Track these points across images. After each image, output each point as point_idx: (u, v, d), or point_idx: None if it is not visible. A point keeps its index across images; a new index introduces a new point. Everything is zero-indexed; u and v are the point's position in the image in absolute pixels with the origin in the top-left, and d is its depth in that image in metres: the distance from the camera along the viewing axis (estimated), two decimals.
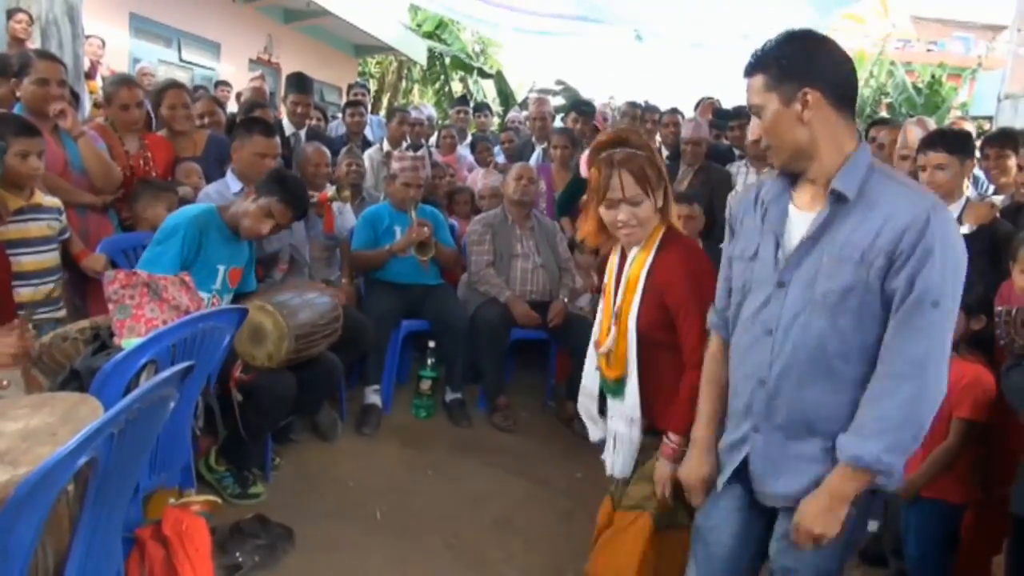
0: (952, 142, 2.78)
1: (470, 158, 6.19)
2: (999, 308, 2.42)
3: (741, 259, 1.71)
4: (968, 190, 2.87)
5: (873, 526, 2.87)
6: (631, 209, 2.02)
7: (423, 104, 10.85)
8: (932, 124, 3.53)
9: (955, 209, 2.80)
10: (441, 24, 14.21)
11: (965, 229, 2.73)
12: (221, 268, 2.91)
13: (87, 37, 5.82)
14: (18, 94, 3.14)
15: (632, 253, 2.11)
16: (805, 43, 1.55)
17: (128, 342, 2.15)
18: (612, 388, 2.14)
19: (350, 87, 7.76)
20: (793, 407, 1.58)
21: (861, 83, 15.50)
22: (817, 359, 1.54)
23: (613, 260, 2.21)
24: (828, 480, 1.53)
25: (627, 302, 2.07)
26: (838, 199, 1.52)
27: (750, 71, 1.59)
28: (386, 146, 5.67)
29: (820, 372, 1.54)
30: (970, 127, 5.01)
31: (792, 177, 1.63)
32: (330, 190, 3.78)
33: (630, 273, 2.09)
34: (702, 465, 1.79)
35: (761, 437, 1.64)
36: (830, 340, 1.52)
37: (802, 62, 1.52)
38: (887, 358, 1.49)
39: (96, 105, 4.85)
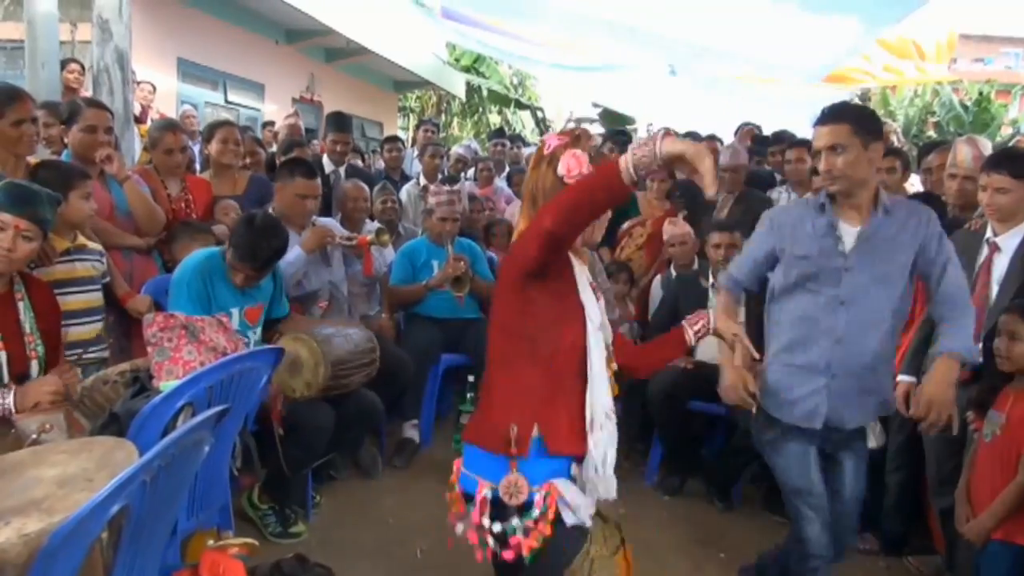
0: (1018, 165, 2.64)
1: (508, 190, 6.20)
2: None
3: (794, 256, 2.31)
4: None
5: (873, 442, 2.87)
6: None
7: (470, 139, 10.97)
8: (984, 142, 3.39)
9: (1017, 234, 2.66)
10: (479, 58, 14.42)
11: None
12: (234, 311, 2.90)
13: (137, 83, 6.03)
14: (66, 140, 3.24)
15: None
16: (873, 111, 2.40)
17: (166, 385, 2.16)
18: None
19: (419, 124, 7.91)
20: (863, 355, 2.24)
21: (905, 102, 15.19)
22: (877, 318, 2.24)
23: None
24: (936, 368, 2.18)
25: None
26: (885, 212, 2.24)
27: (835, 119, 2.19)
28: (423, 180, 5.72)
29: (878, 327, 2.24)
30: None
31: (831, 199, 2.28)
32: (370, 234, 3.80)
33: None
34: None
35: (838, 382, 2.26)
36: (885, 303, 2.23)
37: (875, 124, 2.25)
38: (951, 299, 2.23)
39: (146, 149, 5.00)
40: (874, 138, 2.18)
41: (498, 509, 1.62)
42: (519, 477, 1.60)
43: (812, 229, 2.29)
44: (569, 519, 1.61)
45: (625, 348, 1.93)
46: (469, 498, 1.66)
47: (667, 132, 1.45)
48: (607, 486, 1.65)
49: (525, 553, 1.59)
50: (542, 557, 1.60)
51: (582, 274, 1.71)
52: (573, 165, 1.63)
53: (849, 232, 2.26)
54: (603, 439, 1.64)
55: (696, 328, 1.92)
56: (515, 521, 1.59)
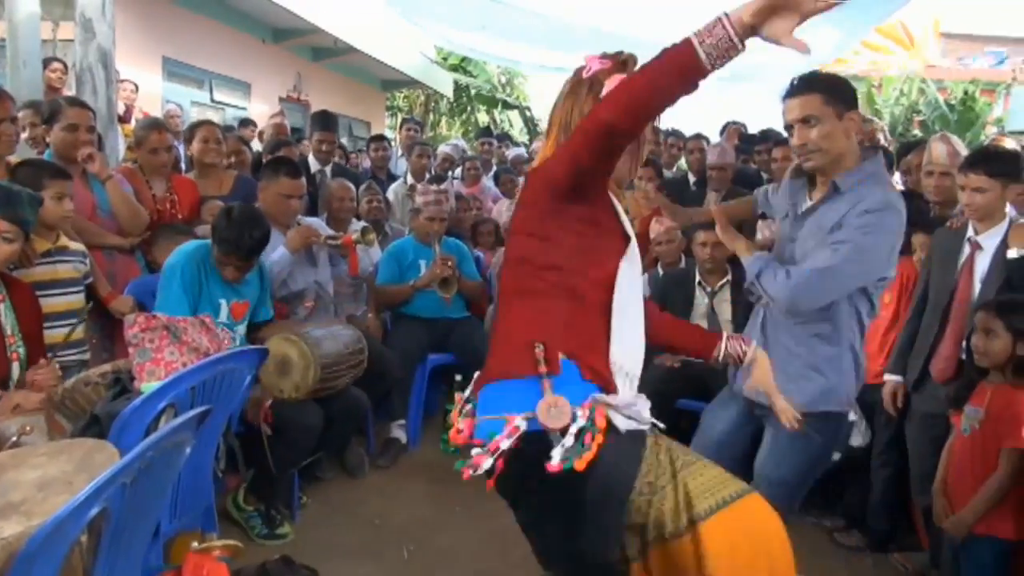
0: (995, 164, 2.64)
1: (495, 189, 6.20)
2: None
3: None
4: (1010, 211, 2.74)
5: (859, 440, 3.05)
6: None
7: (457, 138, 10.95)
8: (956, 140, 3.41)
9: (998, 232, 2.67)
10: (466, 57, 14.40)
11: (1012, 253, 2.60)
12: (223, 303, 2.91)
13: (121, 81, 5.98)
14: (48, 140, 3.21)
15: None
16: (845, 80, 2.13)
17: (147, 386, 2.15)
18: None
19: (402, 123, 7.87)
20: (776, 344, 2.12)
21: (891, 101, 15.26)
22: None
23: None
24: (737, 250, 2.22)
25: None
26: (836, 191, 2.05)
27: (805, 89, 2.02)
28: (410, 179, 5.71)
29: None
30: (1010, 143, 4.86)
31: (811, 179, 2.16)
32: (355, 233, 3.79)
33: None
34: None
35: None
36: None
37: (848, 92, 2.06)
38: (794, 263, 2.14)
39: (130, 148, 4.96)
40: (848, 106, 2.02)
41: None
42: (558, 397, 1.39)
43: (787, 203, 2.25)
44: (622, 423, 1.43)
45: (650, 306, 1.74)
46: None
47: (727, 15, 1.26)
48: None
49: (580, 467, 1.35)
50: (600, 477, 1.39)
51: (619, 206, 1.56)
52: None
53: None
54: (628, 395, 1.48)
55: (732, 349, 1.80)
56: (560, 447, 1.35)
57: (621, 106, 1.31)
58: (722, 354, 1.80)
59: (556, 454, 1.35)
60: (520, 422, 1.39)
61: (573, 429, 1.37)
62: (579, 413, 1.38)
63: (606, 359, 1.48)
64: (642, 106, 1.31)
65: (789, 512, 1.99)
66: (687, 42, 1.26)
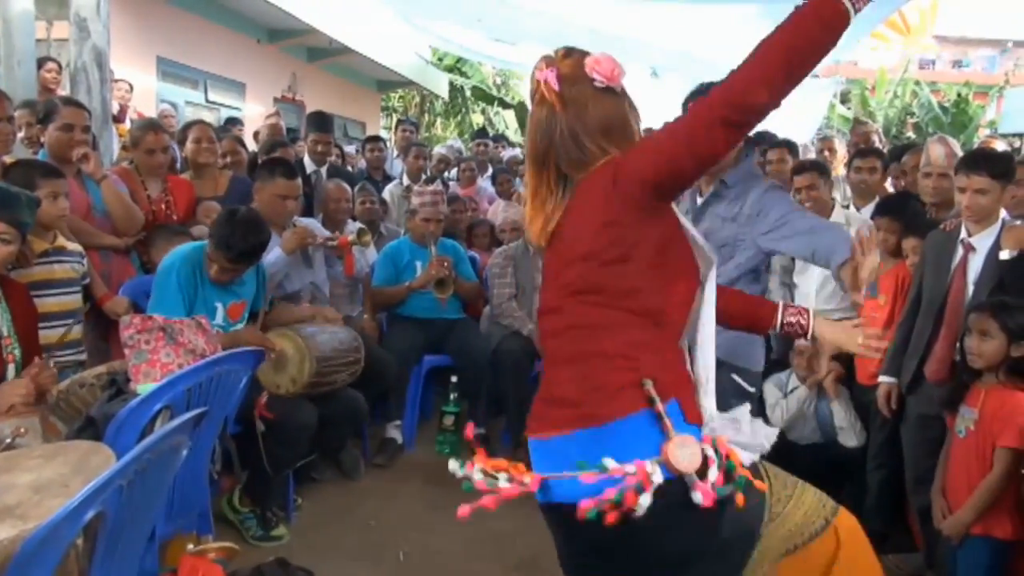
0: (996, 165, 2.64)
1: (491, 190, 6.20)
2: None
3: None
4: (1003, 212, 2.75)
5: (853, 441, 3.16)
6: None
7: (453, 139, 10.94)
8: (953, 142, 3.44)
9: (990, 234, 2.68)
10: (462, 58, 14.39)
11: (1005, 254, 2.61)
12: (219, 305, 2.89)
13: (115, 81, 5.96)
14: (43, 139, 3.20)
15: None
16: None
17: (143, 387, 2.14)
18: None
19: (397, 124, 7.83)
20: None
21: (884, 103, 15.33)
22: None
23: None
24: None
25: None
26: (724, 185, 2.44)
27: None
28: (406, 180, 5.70)
29: None
30: (1001, 145, 4.89)
31: None
32: (351, 234, 3.78)
33: None
34: None
35: None
36: None
37: None
38: None
39: (124, 148, 4.94)
40: None
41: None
42: (684, 435, 1.26)
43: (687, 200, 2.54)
44: (746, 458, 1.32)
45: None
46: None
47: None
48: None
49: (742, 501, 1.28)
50: (733, 513, 1.31)
51: (678, 210, 1.44)
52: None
53: None
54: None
55: (790, 319, 1.67)
56: (706, 485, 1.24)
57: (756, 81, 1.20)
58: (779, 324, 1.67)
59: (698, 496, 1.24)
60: (652, 467, 1.23)
61: (714, 466, 1.26)
62: (707, 450, 1.27)
63: (693, 387, 1.38)
64: (784, 74, 1.19)
65: None
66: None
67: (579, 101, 1.41)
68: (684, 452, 1.24)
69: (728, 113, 1.22)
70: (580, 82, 1.41)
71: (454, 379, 3.94)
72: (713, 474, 1.25)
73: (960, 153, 3.18)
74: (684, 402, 1.32)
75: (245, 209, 2.92)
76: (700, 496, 1.23)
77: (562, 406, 1.36)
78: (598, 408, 1.31)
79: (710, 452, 1.27)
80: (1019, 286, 2.54)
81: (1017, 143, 10.59)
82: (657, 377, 1.31)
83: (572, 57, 1.44)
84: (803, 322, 1.67)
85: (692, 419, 1.32)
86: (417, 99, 16.60)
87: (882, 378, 2.95)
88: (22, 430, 1.94)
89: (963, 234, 2.74)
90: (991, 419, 2.39)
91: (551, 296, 1.44)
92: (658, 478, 1.23)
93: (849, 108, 16.12)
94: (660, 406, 1.27)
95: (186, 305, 2.76)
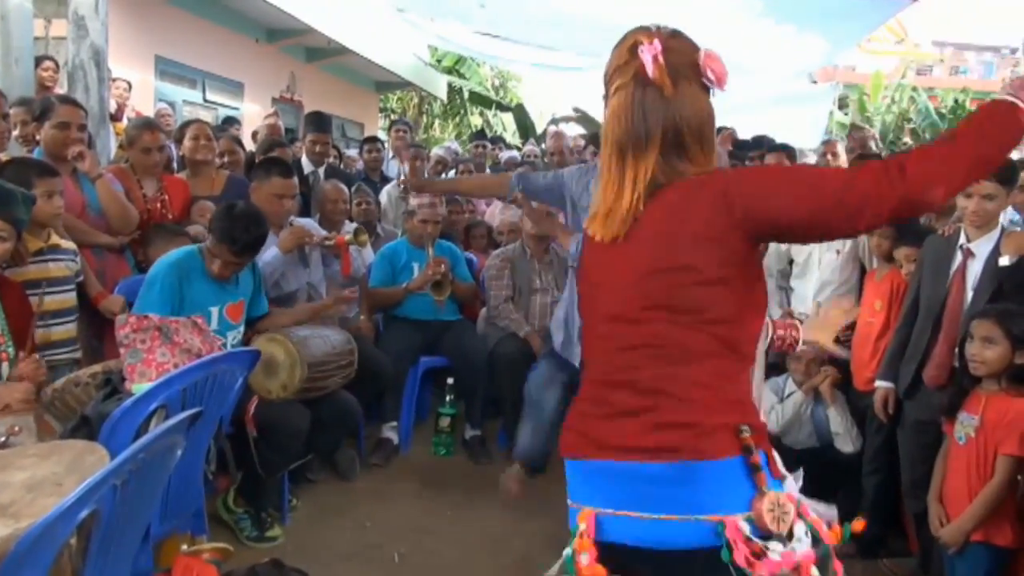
0: (1002, 171, 2.62)
1: None
2: None
3: None
4: (1002, 217, 2.75)
5: (849, 446, 3.15)
6: None
7: (451, 141, 10.94)
8: None
9: (990, 240, 2.68)
10: (460, 59, 14.39)
11: (1005, 260, 2.61)
12: (213, 310, 2.87)
13: (113, 80, 5.95)
14: (38, 137, 3.19)
15: None
16: None
17: (138, 387, 2.13)
18: None
19: (391, 125, 7.83)
20: None
21: (882, 109, 15.38)
22: None
23: None
24: None
25: None
26: None
27: None
28: None
29: None
30: None
31: None
32: (348, 234, 3.77)
33: None
34: None
35: None
36: None
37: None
38: None
39: (121, 147, 4.94)
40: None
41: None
42: (779, 493, 1.19)
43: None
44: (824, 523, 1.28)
45: None
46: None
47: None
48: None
49: (839, 568, 1.25)
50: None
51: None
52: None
53: None
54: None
55: (779, 332, 1.61)
56: (777, 550, 1.16)
57: (938, 183, 1.16)
58: (769, 338, 1.61)
59: (778, 554, 1.17)
60: (742, 522, 1.17)
61: (802, 530, 1.19)
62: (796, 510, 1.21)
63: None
64: (967, 180, 1.21)
65: None
66: (1007, 104, 1.19)
67: (687, 92, 1.28)
68: (778, 512, 1.18)
69: (900, 206, 1.17)
70: (689, 71, 1.29)
71: (450, 380, 3.94)
72: (801, 534, 1.19)
73: None
74: (770, 454, 1.25)
75: (243, 203, 2.92)
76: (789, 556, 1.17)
77: (645, 432, 1.24)
78: (695, 441, 1.21)
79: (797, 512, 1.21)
80: (1018, 292, 2.54)
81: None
82: (753, 424, 1.23)
83: (681, 40, 1.32)
84: (795, 334, 1.62)
85: (777, 475, 1.24)
86: (415, 100, 16.61)
87: (879, 383, 2.95)
88: (16, 429, 1.93)
89: (962, 239, 2.74)
90: (993, 426, 2.38)
91: (623, 303, 1.30)
92: (745, 526, 1.17)
93: (846, 114, 16.17)
94: (757, 457, 1.20)
95: (172, 313, 2.69)
